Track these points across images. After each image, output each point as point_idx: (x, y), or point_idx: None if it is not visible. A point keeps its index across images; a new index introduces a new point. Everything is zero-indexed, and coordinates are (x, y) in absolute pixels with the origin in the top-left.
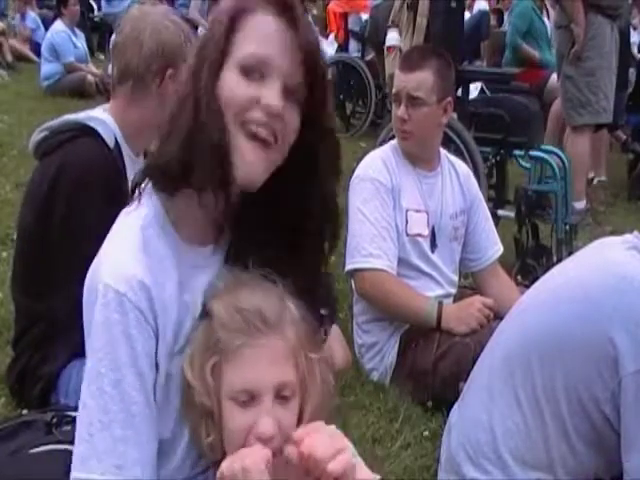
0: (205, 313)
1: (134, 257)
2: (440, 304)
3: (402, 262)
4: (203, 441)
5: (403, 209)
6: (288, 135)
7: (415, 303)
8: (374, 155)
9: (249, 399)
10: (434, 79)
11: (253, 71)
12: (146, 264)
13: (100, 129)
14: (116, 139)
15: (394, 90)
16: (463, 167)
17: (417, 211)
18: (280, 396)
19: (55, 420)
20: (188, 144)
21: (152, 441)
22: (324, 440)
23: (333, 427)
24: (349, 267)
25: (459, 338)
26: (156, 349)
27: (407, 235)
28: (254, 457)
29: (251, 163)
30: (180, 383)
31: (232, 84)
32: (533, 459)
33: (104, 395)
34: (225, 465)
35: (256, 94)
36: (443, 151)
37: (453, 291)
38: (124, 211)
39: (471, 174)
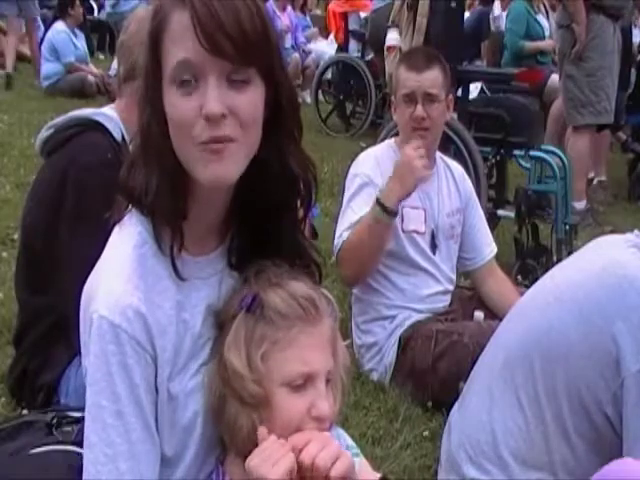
0: (245, 307)
1: (129, 282)
2: (379, 202)
3: (398, 258)
4: (238, 434)
5: (399, 206)
6: (248, 121)
7: (366, 222)
8: (368, 152)
9: (303, 383)
10: (442, 76)
11: (186, 80)
12: (142, 289)
13: (107, 124)
14: (123, 135)
15: (405, 91)
16: (458, 168)
17: (413, 208)
18: (327, 381)
19: (55, 421)
20: (147, 174)
21: (153, 464)
22: (321, 447)
23: (326, 434)
24: (335, 258)
25: (457, 336)
26: (155, 374)
27: (403, 232)
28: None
29: (217, 174)
30: (206, 383)
31: (174, 104)
32: (534, 459)
33: (107, 428)
34: (253, 464)
35: (196, 105)
36: (437, 153)
37: (451, 288)
38: (118, 226)
39: (466, 175)
